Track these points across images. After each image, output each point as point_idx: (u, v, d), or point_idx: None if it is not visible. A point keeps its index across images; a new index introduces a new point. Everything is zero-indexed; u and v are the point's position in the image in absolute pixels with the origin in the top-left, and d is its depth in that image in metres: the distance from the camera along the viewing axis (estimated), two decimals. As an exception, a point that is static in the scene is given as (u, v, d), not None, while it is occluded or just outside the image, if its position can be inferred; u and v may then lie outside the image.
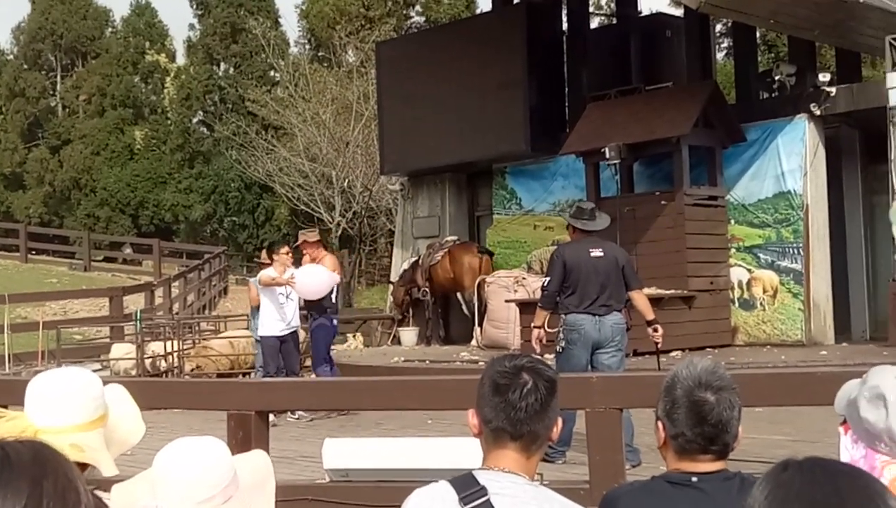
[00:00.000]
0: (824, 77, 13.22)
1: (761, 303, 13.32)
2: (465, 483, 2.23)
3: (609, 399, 4.42)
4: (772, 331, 13.21)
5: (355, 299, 24.52)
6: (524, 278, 14.59)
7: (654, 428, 2.39)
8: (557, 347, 7.09)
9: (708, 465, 2.32)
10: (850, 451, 2.47)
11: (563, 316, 7.12)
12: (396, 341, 16.67)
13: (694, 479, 2.31)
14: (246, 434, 4.67)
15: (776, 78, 13.80)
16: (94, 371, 2.30)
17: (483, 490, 2.19)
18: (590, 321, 7.03)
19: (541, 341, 7.22)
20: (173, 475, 2.02)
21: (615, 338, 7.09)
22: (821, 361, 10.71)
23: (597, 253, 7.16)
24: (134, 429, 2.17)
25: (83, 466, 2.08)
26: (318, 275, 10.20)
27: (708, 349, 12.39)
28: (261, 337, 10.15)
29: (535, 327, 7.34)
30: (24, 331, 16.26)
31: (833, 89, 13.02)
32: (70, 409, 2.02)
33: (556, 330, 7.20)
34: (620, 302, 7.19)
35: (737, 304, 13.49)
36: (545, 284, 7.31)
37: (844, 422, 2.59)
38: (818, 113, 12.95)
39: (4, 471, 1.17)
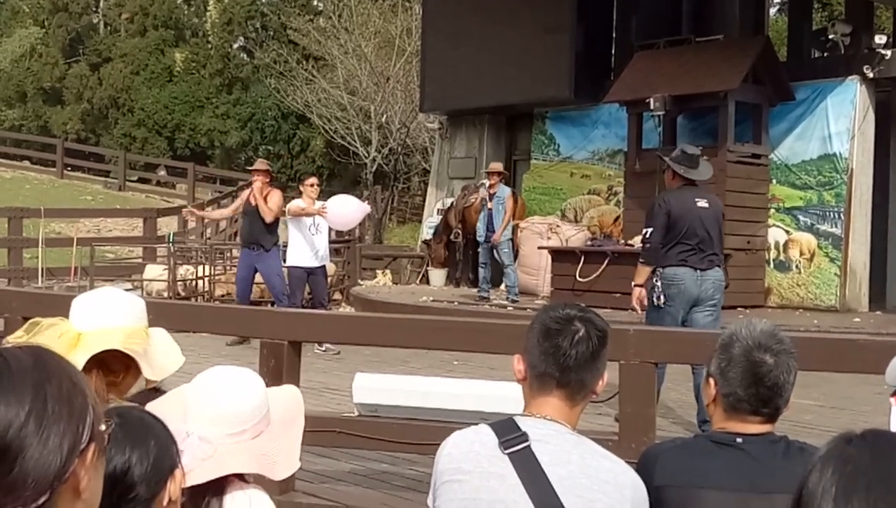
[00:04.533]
0: (880, 39, 12.87)
1: (797, 266, 13.17)
2: (506, 428, 2.19)
3: (644, 352, 4.36)
4: (805, 295, 13.08)
5: (385, 236, 24.52)
6: (558, 225, 14.51)
7: (704, 384, 2.35)
8: (655, 301, 6.58)
9: (756, 427, 2.27)
10: (901, 423, 2.42)
11: (660, 269, 6.60)
12: (425, 280, 16.69)
13: (739, 440, 2.27)
14: (278, 363, 4.68)
15: (830, 37, 13.48)
16: (126, 291, 2.36)
17: (524, 436, 2.16)
18: (691, 275, 6.54)
19: (641, 302, 6.67)
20: (206, 404, 2.01)
21: (715, 296, 6.63)
22: (854, 328, 10.59)
23: (703, 203, 6.66)
24: (173, 360, 2.19)
25: (118, 388, 2.09)
26: (350, 206, 10.12)
27: (739, 308, 12.29)
28: (288, 266, 10.15)
29: (636, 285, 6.74)
30: (57, 246, 16.39)
31: (888, 52, 12.70)
32: (115, 313, 2.07)
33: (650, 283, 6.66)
34: (721, 257, 6.76)
35: (772, 265, 13.34)
36: (647, 236, 6.66)
37: (895, 393, 2.54)
38: (871, 76, 12.64)
39: (4, 378, 1.11)
